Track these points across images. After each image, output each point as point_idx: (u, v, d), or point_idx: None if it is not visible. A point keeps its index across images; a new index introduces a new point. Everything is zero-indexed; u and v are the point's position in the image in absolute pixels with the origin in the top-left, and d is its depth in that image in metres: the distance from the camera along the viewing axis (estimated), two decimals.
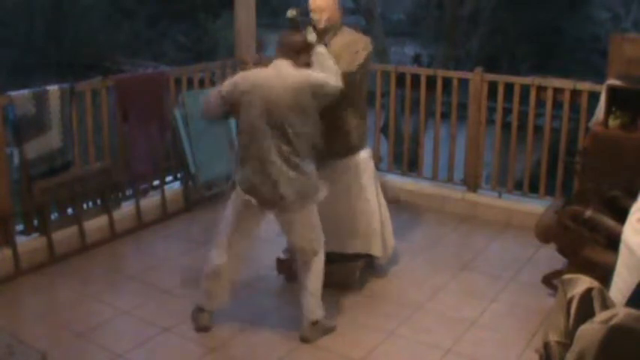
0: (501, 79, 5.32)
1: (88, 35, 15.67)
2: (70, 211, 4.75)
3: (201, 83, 5.76)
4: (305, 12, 3.83)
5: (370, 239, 4.17)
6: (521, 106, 5.28)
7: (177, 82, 5.51)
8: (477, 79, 5.28)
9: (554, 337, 2.63)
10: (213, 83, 5.82)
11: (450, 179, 5.65)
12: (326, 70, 3.59)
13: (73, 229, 4.70)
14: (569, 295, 2.60)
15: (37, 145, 4.45)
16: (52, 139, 4.54)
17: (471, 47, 12.75)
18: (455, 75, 5.59)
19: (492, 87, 5.29)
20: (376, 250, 4.22)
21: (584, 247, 3.82)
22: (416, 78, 5.59)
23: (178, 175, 5.55)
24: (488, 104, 5.35)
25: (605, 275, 2.94)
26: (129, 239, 4.98)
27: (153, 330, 3.79)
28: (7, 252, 4.34)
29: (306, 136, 3.49)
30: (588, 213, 3.86)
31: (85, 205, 4.84)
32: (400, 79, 5.67)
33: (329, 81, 3.53)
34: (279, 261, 4.35)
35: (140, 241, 4.99)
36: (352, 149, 4.06)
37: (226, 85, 3.57)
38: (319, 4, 3.86)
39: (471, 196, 5.46)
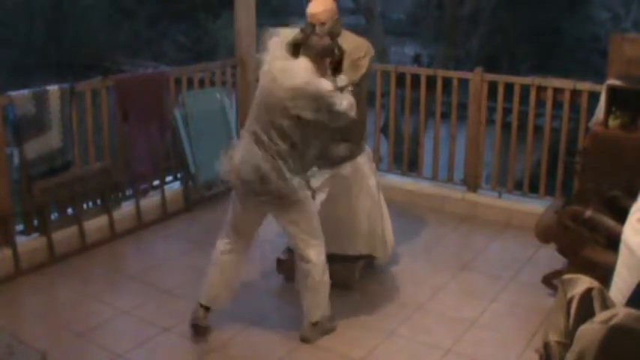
0: (501, 79, 5.32)
1: (88, 35, 15.67)
2: (70, 211, 4.75)
3: (201, 83, 5.76)
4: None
5: (370, 240, 4.17)
6: (521, 106, 5.28)
7: (177, 82, 5.51)
8: (477, 79, 5.28)
9: (554, 337, 2.63)
10: (213, 83, 5.83)
11: (450, 179, 5.65)
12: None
13: (73, 229, 4.70)
14: (569, 295, 2.60)
15: (37, 145, 4.46)
16: (52, 139, 4.54)
17: (471, 47, 12.75)
18: (455, 75, 5.59)
19: (492, 87, 5.29)
20: (376, 251, 4.22)
21: (584, 247, 3.82)
22: (416, 78, 5.59)
23: (178, 175, 5.55)
24: (488, 104, 5.35)
25: (605, 275, 2.94)
26: (129, 239, 4.98)
27: (153, 330, 3.79)
28: (7, 252, 4.34)
29: (291, 141, 3.40)
30: (588, 213, 3.86)
31: (85, 205, 4.84)
32: (400, 79, 5.67)
33: (343, 107, 3.41)
34: (279, 261, 4.35)
35: (140, 241, 4.99)
36: (353, 151, 4.06)
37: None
38: (320, 17, 3.83)
39: (471, 196, 5.46)
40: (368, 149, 4.26)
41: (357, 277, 4.25)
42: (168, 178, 5.51)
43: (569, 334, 2.52)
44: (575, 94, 4.98)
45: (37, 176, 4.48)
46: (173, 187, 5.51)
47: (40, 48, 15.03)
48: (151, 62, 14.40)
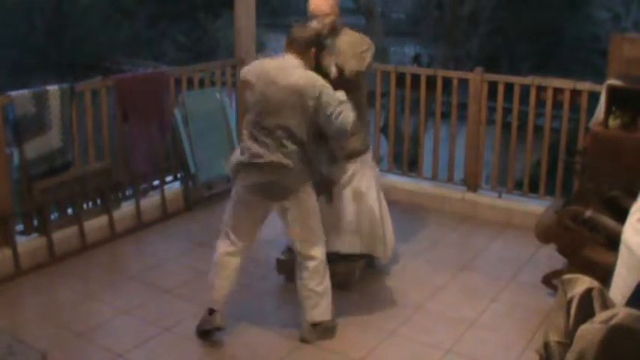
0: (501, 79, 5.32)
1: (88, 35, 15.66)
2: (70, 211, 4.75)
3: (201, 83, 5.76)
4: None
5: (370, 239, 4.17)
6: (521, 106, 5.28)
7: (177, 82, 5.51)
8: (477, 79, 5.28)
9: (554, 337, 2.63)
10: (213, 83, 5.84)
11: (450, 179, 5.65)
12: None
13: (73, 229, 4.70)
14: (569, 295, 2.60)
15: (37, 145, 4.45)
16: (52, 139, 4.54)
17: (471, 47, 12.74)
18: (455, 75, 5.59)
19: (492, 87, 5.29)
20: (376, 250, 4.22)
21: (584, 247, 3.82)
22: (416, 78, 5.59)
23: (178, 175, 5.55)
24: (488, 104, 5.35)
25: (605, 275, 2.94)
26: (129, 239, 4.98)
27: (153, 330, 3.79)
28: (7, 252, 4.34)
29: (297, 139, 3.43)
30: (588, 213, 3.86)
31: (85, 205, 4.84)
32: (400, 79, 5.67)
33: (343, 109, 3.40)
34: (279, 261, 4.34)
35: (140, 241, 4.99)
36: (355, 152, 4.06)
37: (242, 71, 3.64)
38: (323, 9, 3.89)
39: (471, 196, 5.46)
40: (369, 150, 4.26)
41: (357, 277, 4.25)
42: (168, 178, 5.51)
43: (569, 334, 2.52)
44: (575, 94, 4.98)
45: (37, 176, 4.48)
46: (173, 187, 5.51)
47: (40, 48, 15.03)
48: (151, 62, 14.38)
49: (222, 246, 3.66)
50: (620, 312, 2.36)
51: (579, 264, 3.70)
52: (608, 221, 3.76)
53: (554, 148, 5.16)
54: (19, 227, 4.55)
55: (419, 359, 3.58)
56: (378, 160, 5.42)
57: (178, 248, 4.89)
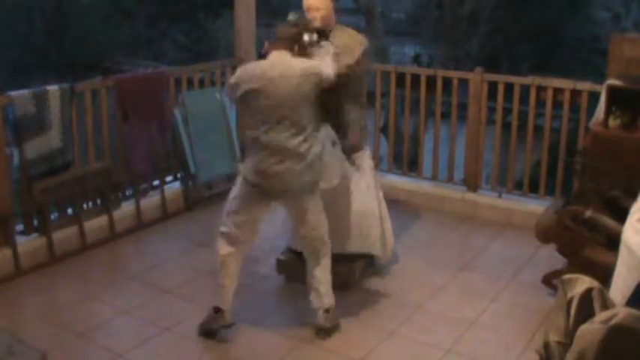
0: (501, 79, 5.33)
1: (88, 35, 15.65)
2: (70, 211, 4.75)
3: (201, 83, 5.76)
4: (304, 17, 3.85)
5: (370, 239, 4.16)
6: (521, 106, 5.28)
7: (177, 82, 5.51)
8: (477, 79, 5.28)
9: (554, 337, 2.63)
10: (213, 83, 5.84)
11: (450, 179, 5.65)
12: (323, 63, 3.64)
13: (73, 229, 4.70)
14: (569, 295, 2.60)
15: (37, 145, 4.45)
16: (52, 139, 4.54)
17: (471, 47, 12.73)
18: (455, 75, 5.59)
19: (492, 87, 5.29)
20: (376, 250, 4.22)
21: (584, 247, 3.82)
22: (416, 78, 5.59)
23: (178, 175, 5.55)
24: (488, 104, 5.35)
25: (605, 275, 2.94)
26: (129, 239, 4.98)
27: (153, 330, 3.79)
28: (7, 252, 4.34)
29: (312, 125, 3.53)
30: (588, 213, 3.86)
31: (85, 205, 4.84)
32: (400, 79, 5.67)
33: (326, 70, 3.58)
34: (279, 261, 4.34)
35: (140, 241, 4.99)
36: (353, 149, 4.06)
37: (233, 77, 3.64)
38: (314, 2, 3.90)
39: (471, 196, 5.46)
40: (368, 149, 4.26)
41: (357, 277, 4.25)
42: (168, 178, 5.51)
43: (569, 334, 2.52)
44: (575, 94, 4.98)
45: (37, 176, 4.48)
46: (173, 187, 5.51)
47: (40, 48, 15.02)
48: (151, 62, 14.38)
49: (223, 247, 3.66)
50: (620, 312, 2.36)
51: (579, 264, 3.70)
52: (608, 221, 3.76)
53: (554, 148, 5.16)
54: (19, 227, 4.55)
55: (419, 359, 3.58)
56: (378, 160, 5.42)
57: (178, 248, 4.89)
